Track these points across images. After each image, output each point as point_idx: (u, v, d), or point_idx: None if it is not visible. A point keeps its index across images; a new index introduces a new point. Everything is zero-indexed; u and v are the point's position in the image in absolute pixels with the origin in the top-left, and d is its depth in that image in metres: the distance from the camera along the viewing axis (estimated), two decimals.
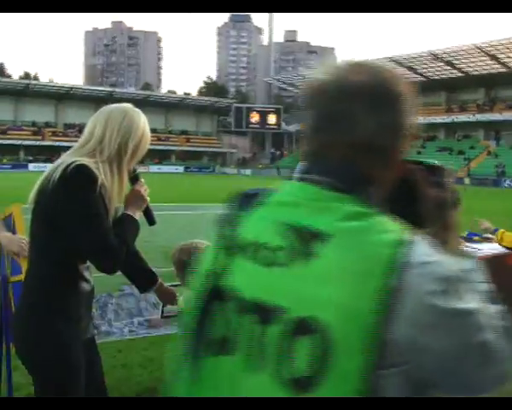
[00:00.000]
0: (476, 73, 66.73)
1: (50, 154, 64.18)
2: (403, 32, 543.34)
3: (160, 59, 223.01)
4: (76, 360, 2.23)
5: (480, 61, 63.23)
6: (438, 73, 70.05)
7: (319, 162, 1.01)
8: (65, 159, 2.20)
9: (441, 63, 66.49)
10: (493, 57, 60.98)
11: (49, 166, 2.24)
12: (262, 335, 0.94)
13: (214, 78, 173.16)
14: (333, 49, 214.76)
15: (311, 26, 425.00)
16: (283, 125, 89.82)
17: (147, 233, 2.62)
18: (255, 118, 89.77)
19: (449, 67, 67.09)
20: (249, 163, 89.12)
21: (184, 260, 2.87)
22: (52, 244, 2.20)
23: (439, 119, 68.04)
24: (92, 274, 2.36)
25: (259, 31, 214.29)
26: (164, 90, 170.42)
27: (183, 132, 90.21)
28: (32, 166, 61.31)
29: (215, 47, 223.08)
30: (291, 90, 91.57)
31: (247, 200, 1.08)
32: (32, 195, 2.24)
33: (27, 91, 78.67)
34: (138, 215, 2.35)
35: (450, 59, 64.92)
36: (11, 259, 2.95)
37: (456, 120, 68.09)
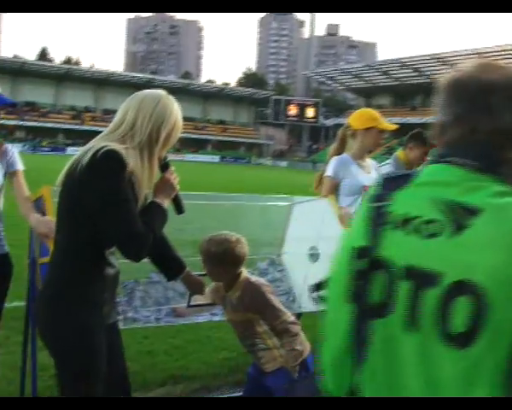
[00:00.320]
0: None
1: (89, 138, 62.73)
2: (444, 30, 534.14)
3: (200, 48, 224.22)
4: (98, 345, 2.22)
5: None
6: None
7: (462, 147, 1.14)
8: (95, 143, 2.17)
9: None
10: None
11: (79, 150, 2.22)
12: (419, 298, 1.05)
13: (254, 69, 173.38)
14: (375, 44, 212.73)
15: (354, 21, 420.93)
16: (321, 118, 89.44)
17: (179, 221, 2.59)
18: (293, 110, 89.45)
19: None
20: (285, 155, 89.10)
21: (212, 251, 2.85)
22: (77, 228, 2.18)
23: None
24: (118, 259, 2.34)
25: (301, 24, 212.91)
26: (203, 79, 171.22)
27: (221, 122, 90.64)
28: (70, 150, 61.86)
29: (256, 38, 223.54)
30: (330, 84, 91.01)
31: (391, 181, 1.21)
32: (60, 177, 2.22)
33: (68, 76, 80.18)
34: (167, 203, 2.31)
35: None
36: (40, 241, 2.97)
37: None
